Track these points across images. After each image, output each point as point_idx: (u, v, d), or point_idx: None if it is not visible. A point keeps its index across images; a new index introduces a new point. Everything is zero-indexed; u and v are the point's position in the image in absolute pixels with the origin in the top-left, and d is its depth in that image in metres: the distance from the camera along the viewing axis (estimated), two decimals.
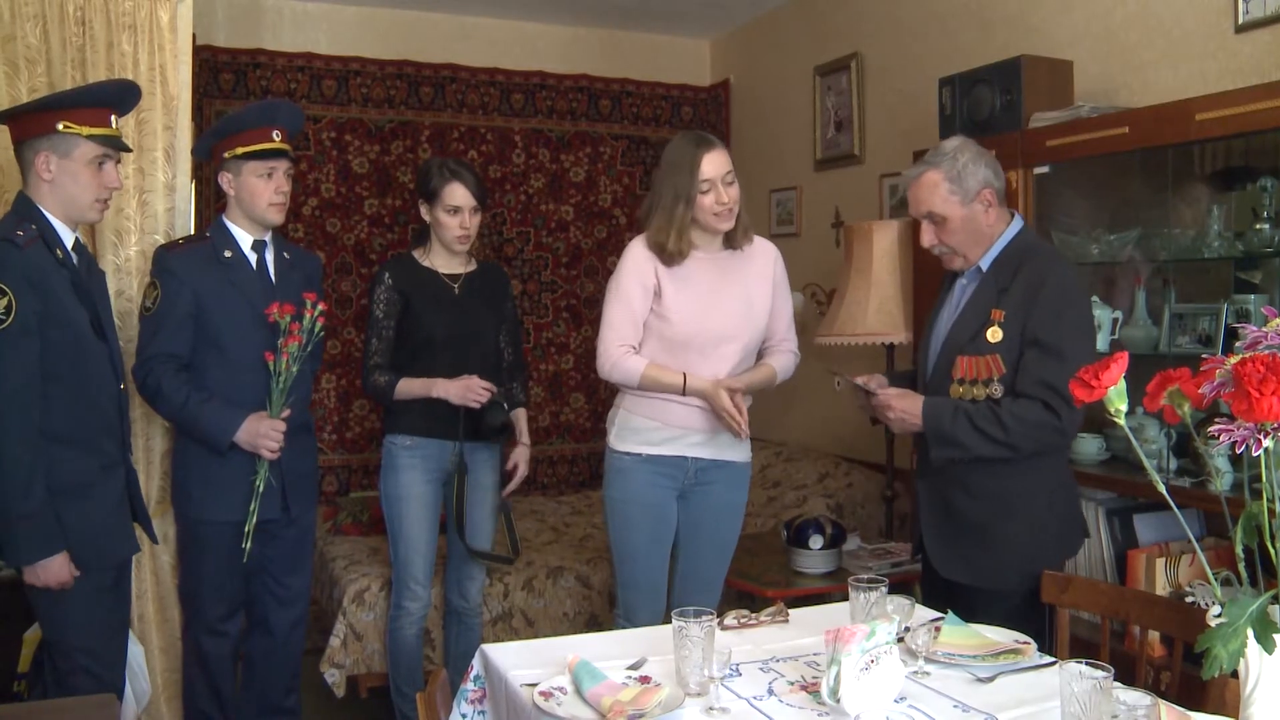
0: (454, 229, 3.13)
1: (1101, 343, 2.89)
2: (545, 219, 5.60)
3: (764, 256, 2.92)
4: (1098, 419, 2.92)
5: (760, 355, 2.94)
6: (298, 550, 3.00)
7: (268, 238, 2.90)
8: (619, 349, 2.78)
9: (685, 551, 2.97)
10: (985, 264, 2.46)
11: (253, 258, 2.86)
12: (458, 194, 3.10)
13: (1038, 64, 3.27)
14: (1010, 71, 3.24)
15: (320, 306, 2.80)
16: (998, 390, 2.37)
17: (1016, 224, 2.50)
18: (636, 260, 2.80)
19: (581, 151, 5.66)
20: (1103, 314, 2.98)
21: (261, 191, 2.79)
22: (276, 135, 2.80)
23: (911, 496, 3.80)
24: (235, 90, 4.97)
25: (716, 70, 5.93)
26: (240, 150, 2.77)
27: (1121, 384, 1.54)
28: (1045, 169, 3.14)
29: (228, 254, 2.81)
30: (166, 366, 2.71)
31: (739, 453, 2.92)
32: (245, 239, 2.85)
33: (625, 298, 2.79)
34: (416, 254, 3.25)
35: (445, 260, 3.23)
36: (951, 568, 2.49)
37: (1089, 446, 3.00)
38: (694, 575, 2.97)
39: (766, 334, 2.92)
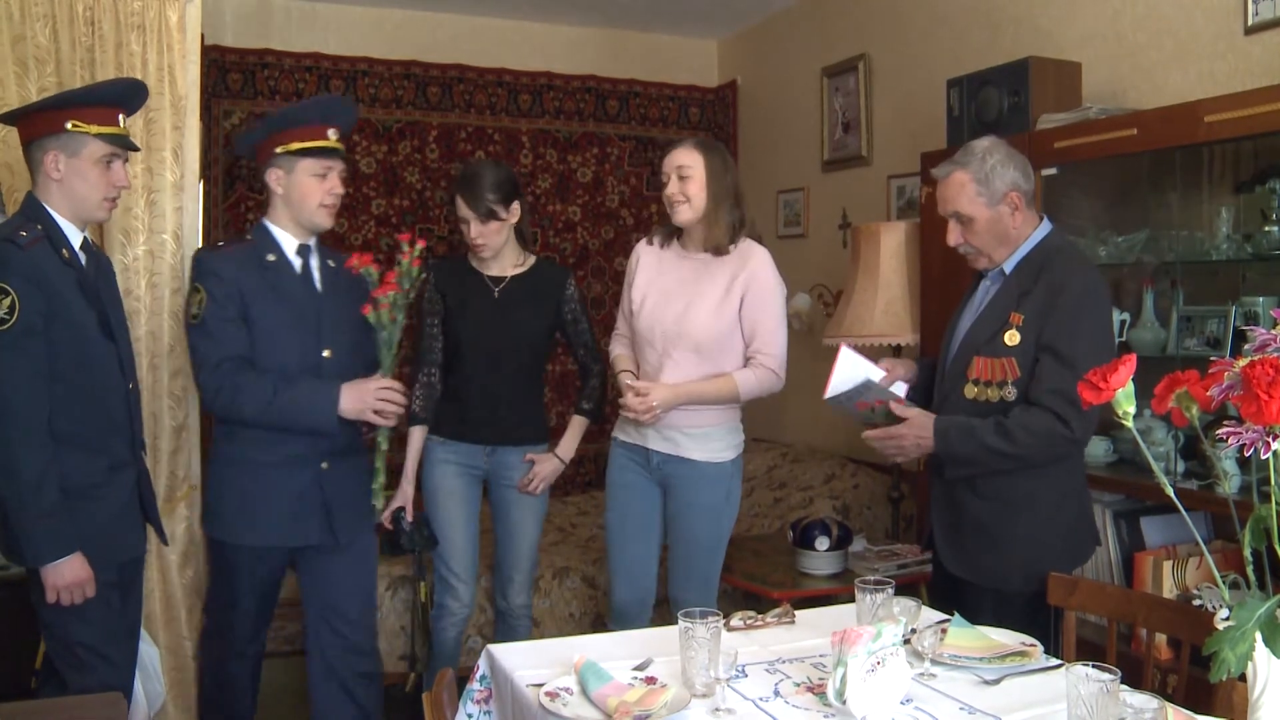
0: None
1: None
2: (553, 219, 5.60)
3: (744, 264, 2.87)
4: (1106, 421, 2.90)
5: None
6: (353, 581, 2.77)
7: (312, 243, 2.75)
8: (615, 337, 3.14)
9: (670, 546, 3.03)
10: (1009, 267, 2.45)
11: (297, 263, 2.71)
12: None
13: (1046, 65, 3.26)
14: (1018, 73, 3.24)
15: (420, 245, 2.66)
16: (1011, 393, 2.36)
17: (1044, 227, 2.48)
18: (631, 259, 3.07)
19: (589, 152, 5.66)
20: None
21: (314, 192, 2.64)
22: (332, 134, 2.66)
23: (918, 498, 3.81)
24: (244, 90, 4.97)
25: (724, 71, 5.92)
26: (295, 146, 2.62)
27: (1129, 386, 1.54)
28: (1053, 171, 3.14)
29: (271, 258, 2.67)
30: (239, 367, 2.59)
31: (703, 451, 2.90)
32: (290, 243, 2.70)
33: (623, 295, 3.10)
34: (469, 254, 3.22)
35: (489, 261, 3.17)
36: (959, 565, 2.50)
37: (1096, 449, 2.99)
38: (678, 570, 3.01)
39: (745, 342, 2.89)
